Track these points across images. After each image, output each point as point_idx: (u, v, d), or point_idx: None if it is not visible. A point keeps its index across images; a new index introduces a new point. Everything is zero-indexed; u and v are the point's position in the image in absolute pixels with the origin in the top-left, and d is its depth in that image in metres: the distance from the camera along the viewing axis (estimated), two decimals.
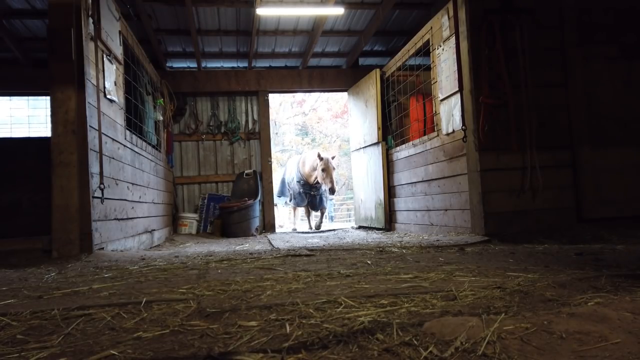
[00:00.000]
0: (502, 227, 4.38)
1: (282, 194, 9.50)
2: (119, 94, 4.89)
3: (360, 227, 8.31)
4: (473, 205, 4.57)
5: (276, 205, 10.44)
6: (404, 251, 3.58)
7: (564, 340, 1.14)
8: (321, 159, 8.19)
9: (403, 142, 6.82)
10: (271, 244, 5.51)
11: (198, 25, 7.18)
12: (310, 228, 9.17)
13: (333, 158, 8.32)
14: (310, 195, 8.84)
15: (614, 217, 4.56)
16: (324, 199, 9.07)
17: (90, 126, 3.94)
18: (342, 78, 8.89)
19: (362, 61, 9.13)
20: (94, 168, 3.98)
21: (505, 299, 1.62)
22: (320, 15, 6.91)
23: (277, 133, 22.60)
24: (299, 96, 23.11)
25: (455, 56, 4.78)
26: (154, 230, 6.22)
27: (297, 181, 8.79)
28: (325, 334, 1.24)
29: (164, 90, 7.50)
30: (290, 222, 10.14)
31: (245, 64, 8.88)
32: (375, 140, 7.38)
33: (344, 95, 9.20)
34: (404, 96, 7.13)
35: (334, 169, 8.23)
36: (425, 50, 5.90)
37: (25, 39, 7.31)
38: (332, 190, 8.18)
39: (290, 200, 9.29)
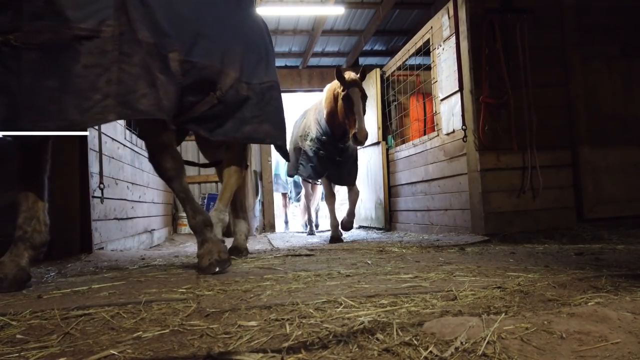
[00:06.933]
0: (502, 227, 4.38)
1: (295, 169, 5.69)
2: None
3: (360, 227, 8.31)
4: (473, 205, 4.57)
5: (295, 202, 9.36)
6: (404, 251, 3.57)
7: (564, 340, 1.14)
8: (343, 81, 4.81)
9: (403, 142, 6.81)
10: (271, 243, 5.51)
11: None
12: (310, 227, 6.44)
13: (362, 79, 4.96)
14: (334, 160, 5.17)
15: (614, 217, 4.56)
16: (355, 165, 5.51)
17: None
18: None
19: (362, 61, 9.13)
20: (94, 168, 3.98)
21: (506, 299, 1.62)
22: (320, 15, 6.91)
23: None
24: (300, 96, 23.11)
25: (455, 56, 4.78)
26: (154, 230, 6.22)
27: (316, 137, 5.24)
28: (325, 334, 1.24)
29: None
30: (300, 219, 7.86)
31: None
32: (375, 140, 7.37)
33: None
34: (404, 96, 7.13)
35: (365, 97, 4.90)
36: (425, 50, 5.90)
37: None
38: (357, 139, 4.67)
39: (301, 171, 5.50)
